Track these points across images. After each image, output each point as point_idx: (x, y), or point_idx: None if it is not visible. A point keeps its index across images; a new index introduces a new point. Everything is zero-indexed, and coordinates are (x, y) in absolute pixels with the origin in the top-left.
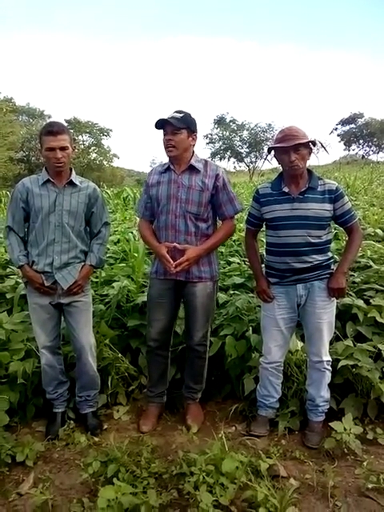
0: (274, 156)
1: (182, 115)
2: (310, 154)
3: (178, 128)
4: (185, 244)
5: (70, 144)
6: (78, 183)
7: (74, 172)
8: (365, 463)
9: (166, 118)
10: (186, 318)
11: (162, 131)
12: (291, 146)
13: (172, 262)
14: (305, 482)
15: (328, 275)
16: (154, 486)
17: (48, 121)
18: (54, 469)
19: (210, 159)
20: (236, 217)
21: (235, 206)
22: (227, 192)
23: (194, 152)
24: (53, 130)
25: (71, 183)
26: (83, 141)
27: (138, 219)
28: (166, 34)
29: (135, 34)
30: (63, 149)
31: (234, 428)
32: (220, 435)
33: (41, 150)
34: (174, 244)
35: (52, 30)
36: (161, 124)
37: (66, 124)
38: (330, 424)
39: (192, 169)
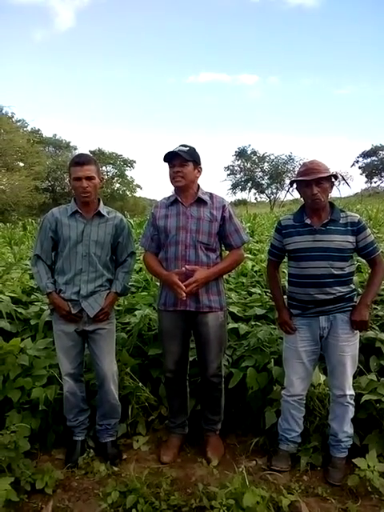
0: (297, 189)
1: (187, 149)
2: (331, 187)
3: (185, 160)
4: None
5: (97, 175)
6: (105, 214)
7: (102, 203)
8: None
9: (174, 150)
10: (199, 350)
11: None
12: (313, 180)
13: (184, 288)
14: None
15: (351, 308)
16: None
17: (74, 152)
18: (72, 497)
19: (230, 190)
20: (258, 248)
21: (242, 236)
22: (233, 223)
23: (199, 185)
24: (80, 160)
25: (99, 214)
26: (107, 171)
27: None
28: (191, 70)
29: (161, 69)
30: (89, 179)
31: (254, 462)
32: (240, 469)
33: (69, 181)
34: (184, 267)
35: (77, 64)
36: (168, 157)
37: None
38: (353, 460)
39: (200, 201)
